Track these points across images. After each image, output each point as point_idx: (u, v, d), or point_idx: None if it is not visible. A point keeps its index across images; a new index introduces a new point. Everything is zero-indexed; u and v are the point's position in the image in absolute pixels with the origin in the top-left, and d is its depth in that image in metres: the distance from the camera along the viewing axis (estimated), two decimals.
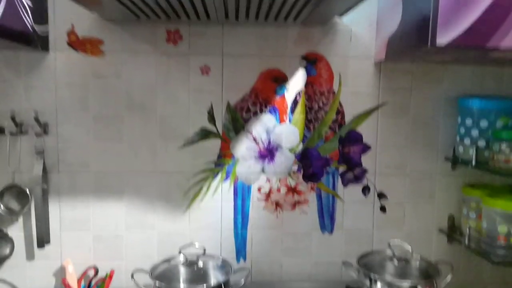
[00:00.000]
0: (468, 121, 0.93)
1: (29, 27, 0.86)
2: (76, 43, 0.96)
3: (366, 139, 1.02)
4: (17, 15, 0.81)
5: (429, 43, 0.72)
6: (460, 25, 0.70)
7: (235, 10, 0.83)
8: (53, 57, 0.96)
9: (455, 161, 0.99)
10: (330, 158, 1.02)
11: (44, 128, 0.96)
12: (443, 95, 1.02)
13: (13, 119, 0.94)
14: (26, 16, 0.84)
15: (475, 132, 0.92)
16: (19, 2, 0.81)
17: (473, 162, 0.92)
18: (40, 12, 0.91)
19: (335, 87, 1.01)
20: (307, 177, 1.02)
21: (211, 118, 1.00)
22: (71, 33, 0.96)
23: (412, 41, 0.78)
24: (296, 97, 1.01)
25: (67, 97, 0.97)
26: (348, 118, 1.02)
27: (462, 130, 0.95)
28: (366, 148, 1.02)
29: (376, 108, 1.02)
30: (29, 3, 0.86)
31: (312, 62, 1.01)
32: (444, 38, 0.70)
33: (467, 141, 0.94)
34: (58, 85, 0.97)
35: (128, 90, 0.98)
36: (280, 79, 1.01)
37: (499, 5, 0.70)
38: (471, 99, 0.94)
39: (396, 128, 1.03)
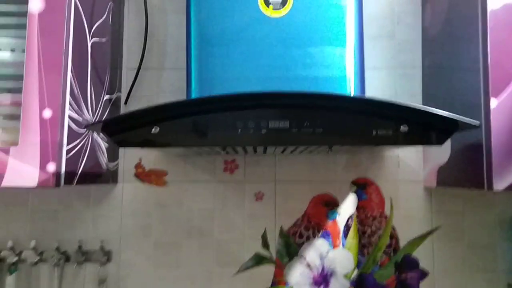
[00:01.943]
0: None
1: (104, 166, 0.95)
2: (143, 174, 1.05)
3: (423, 265, 1.01)
4: (96, 159, 0.90)
5: (485, 188, 0.74)
6: None
7: (290, 151, 0.90)
8: (120, 188, 1.04)
9: None
10: (387, 285, 1.00)
11: (108, 256, 1.01)
12: (496, 219, 1.02)
13: (79, 248, 1.00)
14: (103, 157, 0.94)
15: None
16: (98, 146, 0.92)
17: None
18: (114, 151, 1.01)
19: (387, 211, 1.03)
20: None
21: (265, 244, 1.03)
22: (138, 166, 1.05)
23: (466, 182, 0.81)
24: (348, 222, 1.03)
25: (131, 225, 1.03)
26: (402, 242, 1.02)
27: None
28: (423, 274, 1.01)
29: (430, 232, 1.02)
30: (106, 145, 0.96)
31: (361, 187, 1.04)
32: (501, 183, 0.73)
33: None
34: (123, 214, 1.03)
35: (188, 218, 1.03)
36: (331, 204, 1.04)
37: None
38: None
39: (453, 252, 1.02)
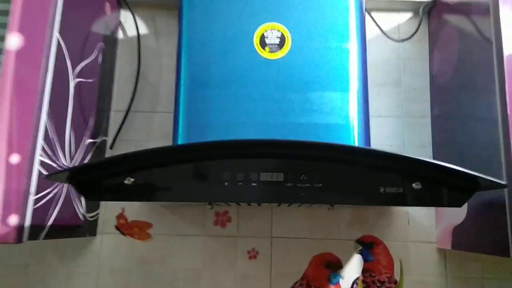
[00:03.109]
0: None
1: (81, 217, 0.86)
2: (125, 226, 0.95)
3: None
4: (72, 210, 0.81)
5: (510, 255, 0.64)
6: None
7: (287, 204, 0.81)
8: (99, 241, 0.94)
9: None
10: None
11: None
12: None
13: None
14: (80, 207, 0.85)
15: None
16: (76, 197, 0.83)
17: None
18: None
19: (397, 275, 0.92)
20: None
21: None
22: (120, 217, 0.95)
23: (487, 247, 0.71)
24: (353, 286, 0.91)
25: (109, 284, 0.92)
26: None
27: None
28: None
29: None
30: None
31: (368, 246, 0.94)
32: None
33: None
34: (101, 271, 0.92)
35: (172, 278, 0.92)
36: (333, 265, 0.93)
37: None
38: None
39: None
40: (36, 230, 0.68)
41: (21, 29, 0.70)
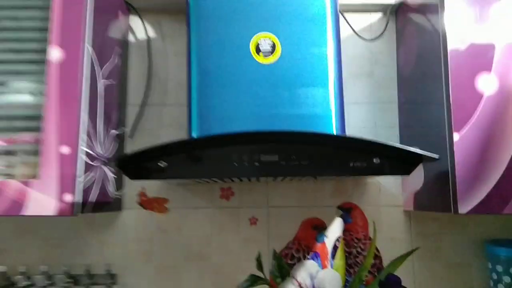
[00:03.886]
0: (499, 268, 1.01)
1: (111, 195, 1.04)
2: (146, 202, 1.13)
3: (404, 283, 1.10)
4: (105, 189, 0.99)
5: (452, 211, 0.85)
6: (478, 195, 0.83)
7: (281, 178, 0.99)
8: (125, 215, 1.12)
9: None
10: None
11: (114, 280, 1.08)
12: (471, 240, 1.12)
13: (87, 272, 1.07)
14: (110, 187, 1.03)
15: (507, 279, 0.99)
16: (106, 177, 1.01)
17: None
18: (119, 180, 1.10)
19: (371, 233, 1.12)
20: None
21: (259, 266, 1.11)
22: (141, 194, 1.13)
23: (438, 207, 0.91)
24: (335, 244, 1.12)
25: (134, 250, 1.11)
26: (385, 262, 1.11)
27: (494, 276, 1.02)
28: None
29: (410, 253, 1.11)
30: (113, 176, 1.05)
31: (347, 211, 1.14)
32: (464, 207, 0.83)
33: (500, 286, 1.00)
34: (127, 240, 1.11)
35: (187, 243, 1.12)
36: (319, 227, 1.13)
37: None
38: (499, 248, 1.03)
39: (432, 271, 1.10)
40: (83, 206, 0.86)
41: (61, 44, 0.86)
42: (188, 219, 1.13)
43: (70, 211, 0.81)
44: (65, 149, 0.83)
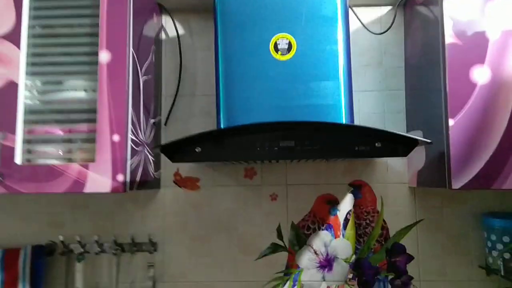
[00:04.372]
0: (493, 237, 1.13)
1: (152, 175, 1.21)
2: (180, 181, 1.30)
3: (409, 250, 1.24)
4: (147, 170, 1.16)
5: (447, 186, 0.97)
6: (469, 172, 0.96)
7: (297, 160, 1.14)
8: (163, 193, 1.30)
9: (488, 270, 1.17)
10: (379, 267, 1.23)
11: (155, 247, 1.27)
12: (469, 212, 1.24)
13: (132, 241, 1.26)
14: (151, 169, 1.20)
15: (500, 246, 1.12)
16: (148, 159, 1.17)
17: (502, 272, 1.10)
18: (157, 162, 1.27)
19: (379, 207, 1.26)
20: (362, 284, 1.22)
21: (279, 235, 1.27)
22: (176, 174, 1.30)
23: (434, 182, 1.04)
24: (347, 216, 1.26)
25: (172, 222, 1.28)
26: (392, 232, 1.25)
27: (489, 244, 1.15)
28: (410, 258, 1.23)
29: (414, 224, 1.25)
30: (153, 158, 1.21)
31: (357, 188, 1.28)
32: (457, 183, 0.95)
33: (494, 253, 1.13)
34: (165, 213, 1.29)
35: (217, 216, 1.28)
36: (333, 202, 1.27)
37: (500, 152, 0.95)
38: (493, 219, 1.15)
39: (434, 240, 1.24)
40: (132, 184, 1.03)
41: (109, 47, 1.01)
42: (216, 196, 1.29)
43: (122, 189, 0.98)
44: (116, 137, 0.99)
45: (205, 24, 1.33)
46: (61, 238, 1.25)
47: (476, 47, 0.98)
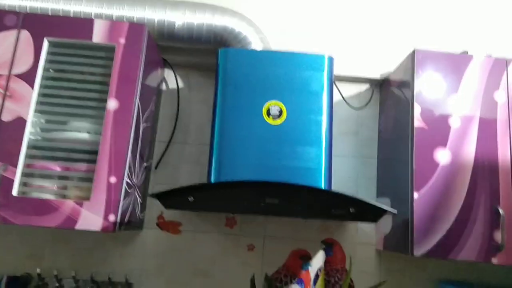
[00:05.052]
0: None
1: (138, 216, 1.26)
2: (163, 224, 1.36)
3: None
4: (135, 212, 1.22)
5: (409, 253, 1.08)
6: (430, 242, 1.07)
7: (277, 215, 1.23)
8: (144, 234, 1.34)
9: None
10: None
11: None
12: (428, 278, 1.35)
13: (109, 279, 1.28)
14: (138, 210, 1.26)
15: None
16: (137, 201, 1.23)
17: None
18: (143, 204, 1.33)
19: (347, 266, 1.35)
20: None
21: (253, 285, 1.33)
22: (160, 217, 1.36)
23: (399, 248, 1.15)
24: (317, 273, 1.34)
25: (150, 264, 1.32)
26: None
27: None
28: None
29: (379, 285, 1.34)
30: (140, 200, 1.28)
31: (329, 245, 1.37)
32: (419, 251, 1.06)
33: None
34: (145, 255, 1.33)
35: (195, 261, 1.33)
36: (305, 257, 1.36)
37: (457, 225, 1.08)
38: (449, 286, 1.26)
39: None
40: (120, 224, 1.08)
41: (117, 96, 1.10)
42: (196, 242, 1.35)
43: (112, 228, 1.04)
44: (113, 179, 1.06)
45: (203, 80, 1.45)
46: (38, 270, 1.26)
47: (440, 132, 1.14)
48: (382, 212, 0.97)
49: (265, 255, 1.35)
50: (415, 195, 1.09)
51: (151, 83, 1.28)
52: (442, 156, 1.12)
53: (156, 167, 1.38)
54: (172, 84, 1.45)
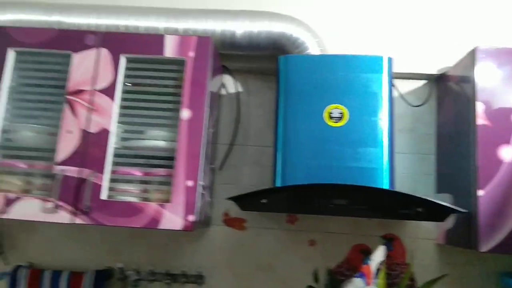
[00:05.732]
0: None
1: (207, 215, 1.36)
2: (228, 221, 1.45)
3: None
4: (206, 211, 1.31)
5: (475, 249, 1.11)
6: (496, 238, 1.09)
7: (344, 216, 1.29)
8: (212, 230, 1.44)
9: None
10: None
11: (202, 280, 1.40)
12: (489, 272, 1.36)
13: (183, 272, 1.39)
14: (207, 209, 1.35)
15: None
16: (206, 200, 1.33)
17: None
18: (211, 203, 1.42)
19: (408, 260, 1.39)
20: None
21: (316, 279, 1.40)
22: (226, 214, 1.45)
23: (462, 243, 1.18)
24: (378, 266, 1.39)
25: (219, 258, 1.42)
26: (419, 284, 1.37)
27: None
28: None
29: (439, 278, 1.37)
30: (209, 199, 1.37)
31: (389, 240, 1.41)
32: (485, 247, 1.09)
33: None
34: (213, 249, 1.43)
35: (259, 255, 1.42)
36: (367, 252, 1.41)
37: None
38: (509, 279, 1.27)
39: None
40: (197, 223, 1.18)
41: (190, 106, 1.19)
42: (260, 237, 1.43)
43: (191, 228, 1.13)
44: (190, 183, 1.15)
45: (260, 85, 1.52)
46: (120, 265, 1.39)
47: (503, 128, 1.14)
48: (451, 211, 1.00)
49: (325, 250, 1.42)
50: (480, 192, 1.11)
51: (213, 89, 1.36)
52: (507, 153, 1.13)
53: (220, 168, 1.47)
54: (231, 89, 1.52)
